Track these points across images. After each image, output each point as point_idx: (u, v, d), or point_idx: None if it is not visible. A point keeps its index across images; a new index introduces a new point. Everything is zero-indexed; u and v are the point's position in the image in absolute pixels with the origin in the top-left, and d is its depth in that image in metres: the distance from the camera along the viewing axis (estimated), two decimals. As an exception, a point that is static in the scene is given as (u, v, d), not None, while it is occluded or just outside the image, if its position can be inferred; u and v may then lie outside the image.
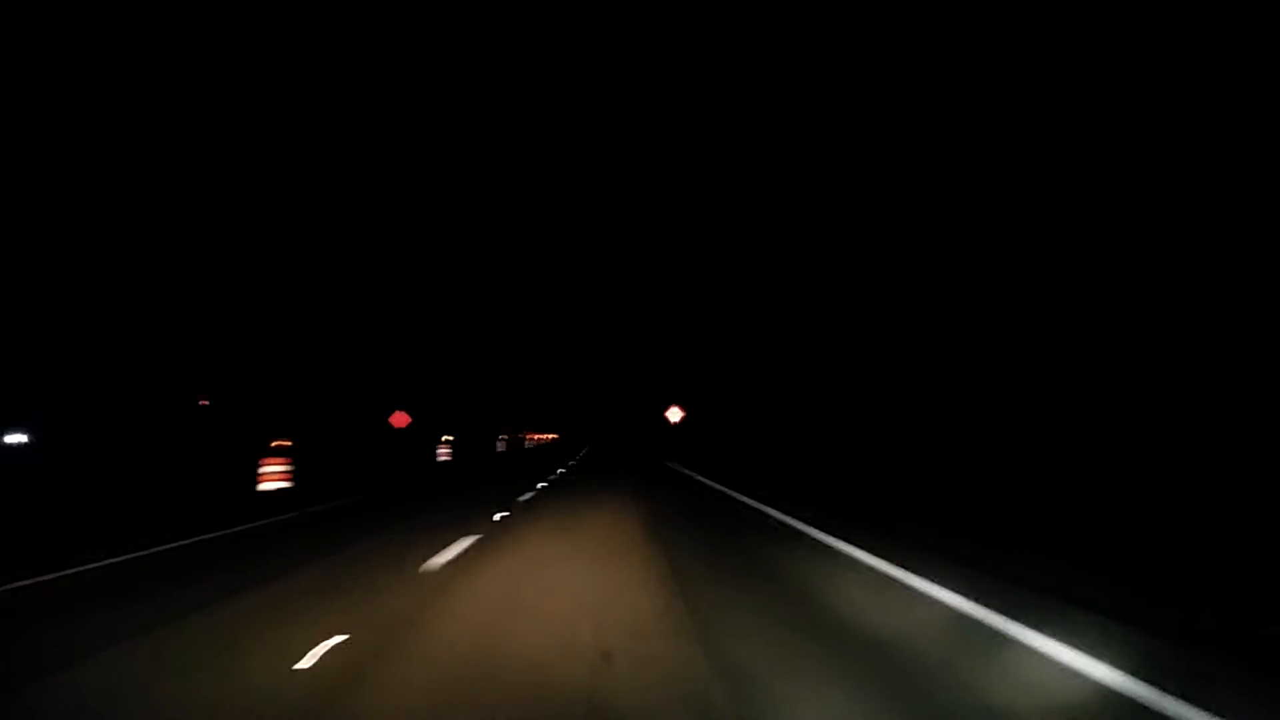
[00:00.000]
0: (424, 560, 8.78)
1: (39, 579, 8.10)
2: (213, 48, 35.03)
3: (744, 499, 16.79)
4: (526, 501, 16.71)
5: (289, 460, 18.52)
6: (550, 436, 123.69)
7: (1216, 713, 4.11)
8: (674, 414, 52.11)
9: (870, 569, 8.20)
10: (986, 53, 17.47)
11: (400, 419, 42.52)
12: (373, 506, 15.98)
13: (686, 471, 28.79)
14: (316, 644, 5.43)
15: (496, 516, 13.52)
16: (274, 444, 18.35)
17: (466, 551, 9.59)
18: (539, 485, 21.48)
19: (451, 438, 37.87)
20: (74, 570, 8.59)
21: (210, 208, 34.78)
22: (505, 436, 63.00)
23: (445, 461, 37.00)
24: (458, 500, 17.48)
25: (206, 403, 36.24)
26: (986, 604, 6.26)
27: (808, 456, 27.25)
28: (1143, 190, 13.65)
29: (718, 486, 20.64)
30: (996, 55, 17.07)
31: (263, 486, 18.41)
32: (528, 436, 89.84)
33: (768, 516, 13.49)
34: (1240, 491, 10.29)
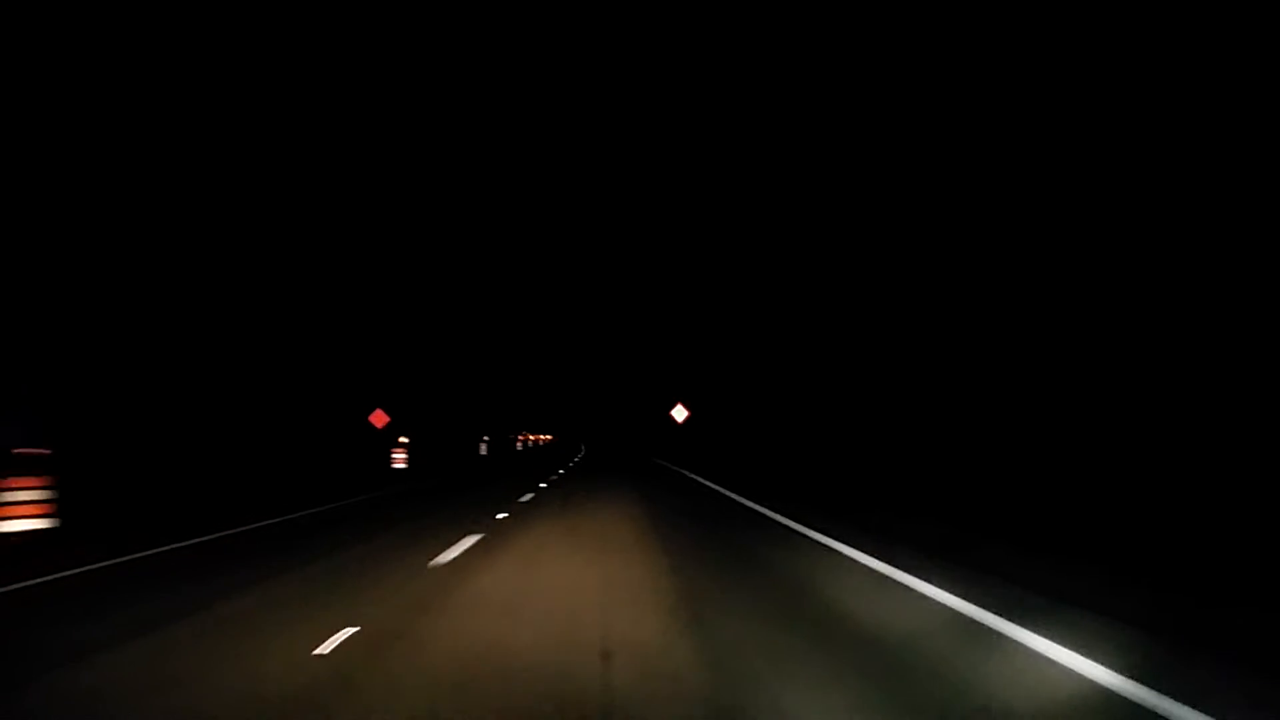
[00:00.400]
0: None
1: None
2: (206, 46, 28.17)
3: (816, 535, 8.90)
4: (466, 555, 8.75)
5: (44, 480, 10.49)
6: (545, 437, 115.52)
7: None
8: (679, 413, 48.60)
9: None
10: (986, 53, 17.21)
11: (380, 418, 36.86)
12: (101, 588, 7.98)
13: (713, 486, 20.81)
14: None
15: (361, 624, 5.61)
16: (16, 452, 10.30)
17: None
18: (499, 516, 13.48)
19: (407, 440, 29.99)
20: None
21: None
22: (488, 438, 54.79)
23: (400, 469, 29.10)
24: (339, 550, 9.51)
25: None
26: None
27: (828, 457, 25.32)
28: (1142, 190, 13.32)
29: (779, 517, 12.70)
30: (996, 55, 16.82)
31: (4, 527, 10.42)
32: (520, 437, 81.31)
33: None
34: (1240, 488, 10.07)
